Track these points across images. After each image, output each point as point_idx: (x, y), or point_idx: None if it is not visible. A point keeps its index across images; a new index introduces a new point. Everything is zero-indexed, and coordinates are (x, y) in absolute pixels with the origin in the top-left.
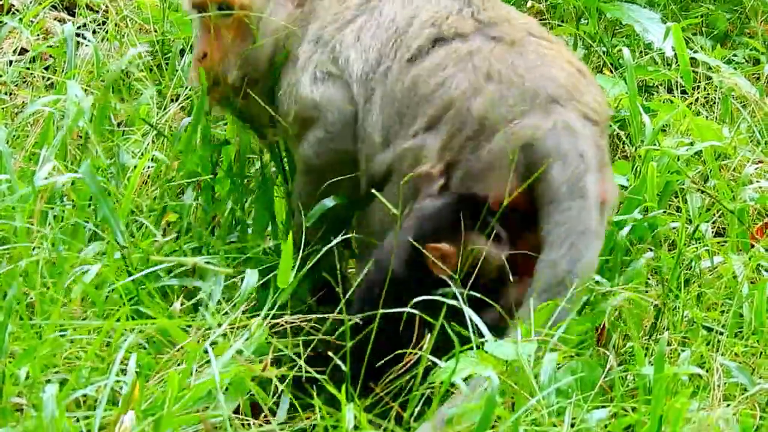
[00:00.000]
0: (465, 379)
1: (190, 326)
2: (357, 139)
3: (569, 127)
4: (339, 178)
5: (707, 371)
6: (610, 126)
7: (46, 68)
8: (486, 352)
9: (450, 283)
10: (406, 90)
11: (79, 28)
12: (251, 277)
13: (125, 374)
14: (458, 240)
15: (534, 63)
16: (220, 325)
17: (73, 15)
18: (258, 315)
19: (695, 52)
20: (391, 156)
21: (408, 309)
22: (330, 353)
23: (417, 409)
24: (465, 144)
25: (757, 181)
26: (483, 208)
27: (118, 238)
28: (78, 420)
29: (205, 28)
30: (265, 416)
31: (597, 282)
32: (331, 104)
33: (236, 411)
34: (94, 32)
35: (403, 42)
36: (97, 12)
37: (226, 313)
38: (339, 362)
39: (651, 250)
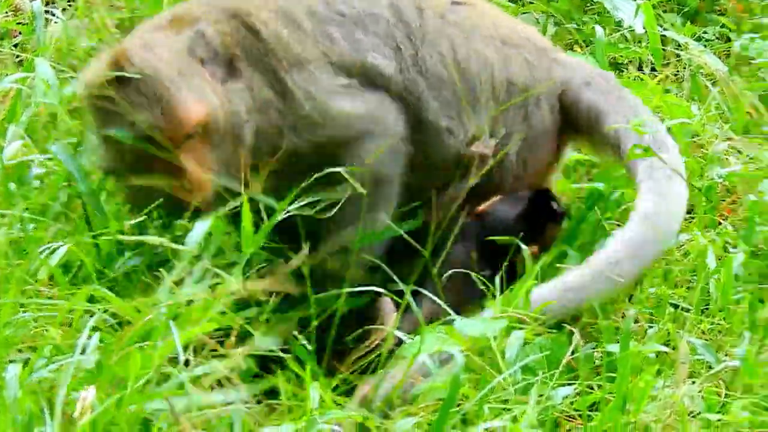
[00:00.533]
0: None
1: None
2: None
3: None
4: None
5: (673, 349)
6: None
7: (15, 45)
8: (454, 329)
9: None
10: (455, 75)
11: (48, 4)
12: (201, 227)
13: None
14: (539, 237)
15: (512, 20)
16: (189, 302)
17: None
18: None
19: (665, 29)
20: (461, 141)
21: (375, 288)
22: (295, 333)
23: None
24: (516, 114)
25: (726, 158)
26: (551, 199)
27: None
28: (40, 399)
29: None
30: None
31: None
32: (377, 110)
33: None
34: (63, 9)
35: (410, 28)
36: None
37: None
38: (304, 341)
39: (619, 226)
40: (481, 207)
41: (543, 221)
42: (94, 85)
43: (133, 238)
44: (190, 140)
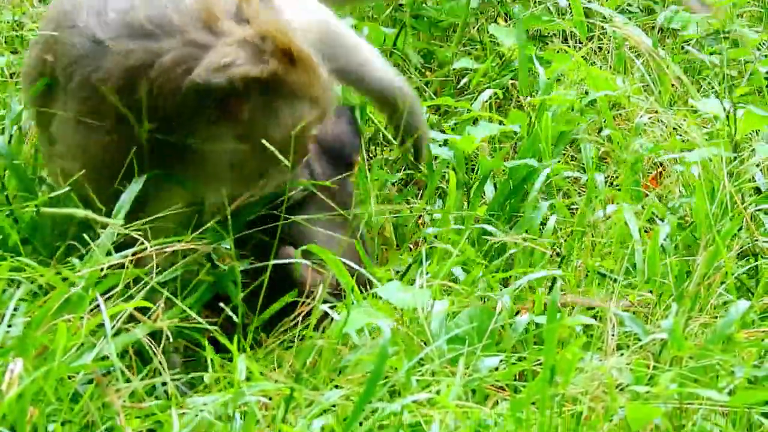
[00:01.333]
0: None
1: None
2: None
3: None
4: None
5: (601, 320)
6: (504, 76)
7: None
8: (380, 300)
9: None
10: None
11: None
12: (126, 197)
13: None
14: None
15: None
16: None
17: None
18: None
19: (589, 1)
20: None
21: (300, 260)
22: (221, 304)
23: (309, 360)
24: None
25: (651, 131)
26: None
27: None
28: None
29: None
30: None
31: (491, 233)
32: None
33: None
34: None
35: None
36: None
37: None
38: (231, 313)
39: (545, 199)
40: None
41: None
42: (262, 75)
43: (58, 210)
44: None
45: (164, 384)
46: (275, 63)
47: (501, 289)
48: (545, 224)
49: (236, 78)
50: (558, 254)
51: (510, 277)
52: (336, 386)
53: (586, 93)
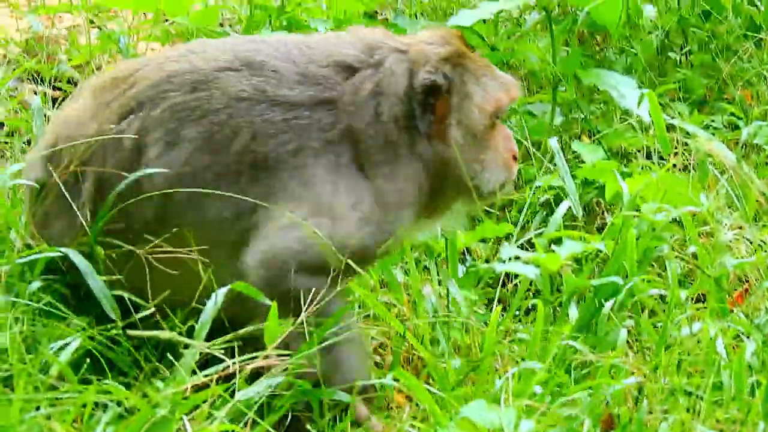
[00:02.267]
0: None
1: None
2: None
3: None
4: None
5: None
6: (588, 193)
7: (27, 142)
8: (465, 419)
9: None
10: None
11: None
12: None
13: None
14: None
15: None
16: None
17: (54, 88)
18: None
19: (673, 118)
20: None
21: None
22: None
23: None
24: None
25: (737, 247)
26: None
27: (108, 312)
28: None
29: None
30: None
31: (578, 350)
32: None
33: None
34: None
35: None
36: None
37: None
38: None
39: (631, 317)
40: None
41: None
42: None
43: (145, 333)
44: None
45: None
46: (458, 43)
47: (585, 407)
48: (630, 342)
49: (436, 64)
50: (644, 374)
51: (593, 392)
52: None
53: (669, 210)
